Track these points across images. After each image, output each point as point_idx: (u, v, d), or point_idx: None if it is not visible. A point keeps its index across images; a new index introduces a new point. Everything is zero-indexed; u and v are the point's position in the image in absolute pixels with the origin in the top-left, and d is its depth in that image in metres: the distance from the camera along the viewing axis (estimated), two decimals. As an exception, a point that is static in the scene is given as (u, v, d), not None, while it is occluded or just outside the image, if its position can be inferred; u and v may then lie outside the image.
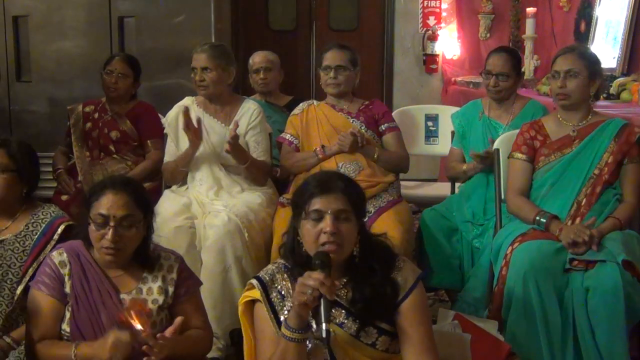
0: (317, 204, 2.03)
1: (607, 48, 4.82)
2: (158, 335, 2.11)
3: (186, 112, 3.35)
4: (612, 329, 2.63)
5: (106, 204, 2.23)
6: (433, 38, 6.71)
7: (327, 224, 2.00)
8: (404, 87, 6.84)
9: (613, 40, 4.80)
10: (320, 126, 3.62)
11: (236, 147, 3.34)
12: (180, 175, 3.52)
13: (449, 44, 6.72)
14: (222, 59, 3.49)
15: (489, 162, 3.41)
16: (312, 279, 1.91)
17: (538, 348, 2.70)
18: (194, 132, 3.35)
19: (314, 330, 1.94)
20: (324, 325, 1.90)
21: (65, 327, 2.24)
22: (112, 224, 2.21)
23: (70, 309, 2.25)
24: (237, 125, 3.37)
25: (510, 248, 2.85)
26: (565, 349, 2.69)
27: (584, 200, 2.92)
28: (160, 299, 2.30)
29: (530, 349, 2.71)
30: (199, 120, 3.38)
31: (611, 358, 2.62)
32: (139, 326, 2.11)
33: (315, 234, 2.02)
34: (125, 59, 4.02)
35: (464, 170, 3.63)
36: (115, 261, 2.26)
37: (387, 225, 3.17)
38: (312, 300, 1.91)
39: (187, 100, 3.59)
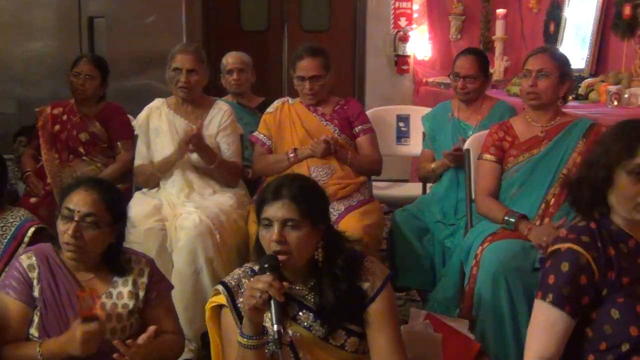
0: (267, 211, 2.02)
1: (575, 49, 4.88)
2: (129, 341, 2.09)
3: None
4: (580, 327, 2.66)
5: (75, 199, 2.22)
6: (404, 39, 6.74)
7: (273, 232, 1.99)
8: (375, 88, 6.86)
9: (582, 41, 4.87)
10: (294, 127, 3.60)
11: (201, 146, 3.32)
12: (155, 180, 3.50)
13: (420, 45, 6.76)
14: (204, 62, 3.50)
15: (460, 160, 3.42)
16: (261, 282, 1.91)
17: (507, 346, 2.73)
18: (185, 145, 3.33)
19: (271, 334, 1.93)
20: (275, 327, 1.89)
21: (34, 331, 2.22)
22: (75, 218, 2.19)
23: (38, 313, 2.22)
24: (201, 125, 3.33)
25: (480, 248, 2.87)
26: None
27: (553, 200, 2.95)
28: (131, 304, 2.29)
29: (499, 347, 2.73)
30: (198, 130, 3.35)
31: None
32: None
33: (267, 241, 2.01)
34: (93, 60, 3.98)
35: (433, 169, 3.65)
36: (76, 259, 2.24)
37: (353, 222, 3.18)
38: (261, 304, 1.90)
39: (157, 102, 3.57)
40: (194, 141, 3.28)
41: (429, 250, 3.45)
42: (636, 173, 1.83)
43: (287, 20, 6.97)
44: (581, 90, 4.24)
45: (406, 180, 5.44)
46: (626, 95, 3.71)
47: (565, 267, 1.83)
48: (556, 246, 1.90)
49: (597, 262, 1.83)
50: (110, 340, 2.12)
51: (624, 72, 4.20)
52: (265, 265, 1.96)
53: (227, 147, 3.51)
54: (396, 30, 6.78)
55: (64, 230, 2.21)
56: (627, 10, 4.28)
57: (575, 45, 4.94)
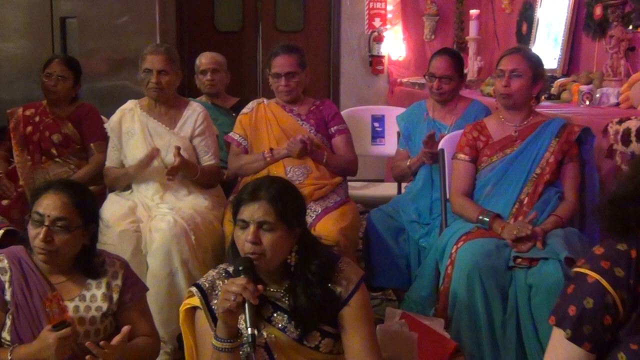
0: (244, 212, 2.02)
1: (548, 49, 4.93)
2: (102, 343, 2.07)
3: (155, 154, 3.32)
4: (554, 325, 2.69)
5: (44, 203, 2.20)
6: (379, 39, 6.77)
7: (248, 233, 1.99)
8: (350, 88, 6.88)
9: (554, 41, 4.91)
10: (269, 127, 3.60)
11: (181, 169, 3.31)
12: (123, 183, 3.47)
13: (394, 45, 6.79)
14: (176, 63, 3.47)
15: (435, 150, 3.43)
16: (235, 285, 1.91)
17: (482, 344, 2.75)
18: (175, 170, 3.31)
19: (246, 336, 1.92)
20: (249, 330, 1.89)
21: (6, 335, 2.19)
22: (46, 223, 2.17)
23: (10, 316, 2.19)
24: (178, 150, 3.29)
25: (455, 247, 2.88)
26: (508, 346, 2.74)
27: (526, 199, 2.98)
28: (105, 306, 2.27)
29: (474, 345, 2.75)
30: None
31: (554, 353, 2.67)
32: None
33: (242, 242, 2.01)
34: (65, 61, 3.94)
35: (408, 166, 3.66)
36: (49, 263, 2.22)
37: (330, 225, 3.19)
38: (235, 307, 1.90)
39: (129, 104, 3.54)
40: (174, 172, 3.27)
41: (405, 249, 3.47)
42: None
43: (261, 21, 6.95)
44: (553, 90, 4.28)
45: (382, 180, 5.46)
46: (598, 95, 3.75)
47: (589, 303, 1.67)
48: (584, 269, 1.71)
49: (625, 303, 1.67)
50: (84, 344, 2.10)
51: (595, 72, 4.24)
52: (240, 268, 1.96)
53: (205, 151, 3.50)
54: (370, 30, 6.81)
55: (35, 234, 2.19)
56: (597, 11, 4.33)
57: (548, 46, 4.99)
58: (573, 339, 1.68)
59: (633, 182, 1.74)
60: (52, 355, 2.05)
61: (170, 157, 3.36)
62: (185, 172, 3.37)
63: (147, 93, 3.46)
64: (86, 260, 2.29)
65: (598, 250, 1.74)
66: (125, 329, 2.15)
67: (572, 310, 1.69)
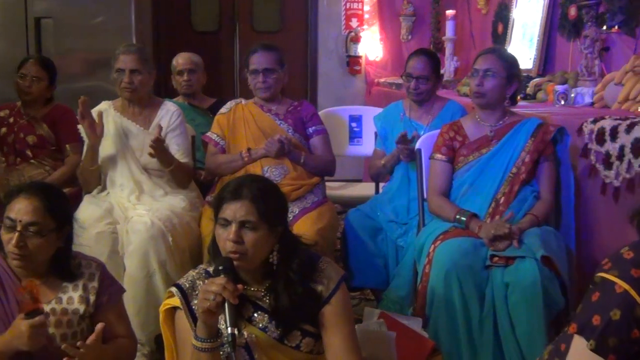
0: (225, 210, 2.01)
1: (523, 49, 4.96)
2: (79, 343, 2.05)
3: (84, 101, 3.25)
4: (531, 323, 2.71)
5: (16, 208, 2.17)
6: (356, 40, 6.78)
7: (230, 232, 1.98)
8: (328, 89, 6.89)
9: (529, 41, 4.95)
10: (248, 127, 3.59)
11: (160, 150, 3.29)
12: (91, 176, 3.42)
13: (371, 45, 6.80)
14: (148, 62, 3.45)
15: (409, 152, 3.44)
16: (215, 284, 1.90)
17: (459, 343, 2.76)
18: (89, 124, 3.26)
19: (226, 336, 1.92)
20: (229, 329, 1.89)
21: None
22: (18, 228, 2.15)
23: (-15, 320, 2.17)
24: (160, 128, 3.32)
25: (432, 246, 2.90)
26: (486, 344, 2.76)
27: (502, 199, 3.00)
28: (81, 309, 2.25)
29: (452, 344, 2.77)
30: (100, 115, 3.29)
31: (531, 352, 2.69)
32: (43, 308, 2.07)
33: (223, 240, 2.00)
34: (39, 62, 3.91)
35: (383, 164, 3.67)
36: (24, 267, 2.19)
37: (308, 225, 3.20)
38: (215, 306, 1.89)
39: (103, 105, 3.51)
40: (155, 145, 3.24)
41: (382, 249, 3.48)
42: None
43: (238, 21, 6.94)
44: (529, 90, 4.31)
45: (360, 180, 5.47)
46: (573, 95, 3.78)
47: (616, 315, 1.55)
48: (612, 276, 1.60)
49: None
50: (61, 347, 2.08)
51: (570, 72, 4.28)
52: (220, 267, 1.95)
53: (177, 148, 3.48)
54: (348, 31, 6.82)
55: (8, 240, 2.16)
56: (572, 11, 4.37)
57: (523, 46, 5.02)
58: (597, 350, 1.58)
59: None
60: (25, 344, 2.03)
61: (145, 158, 3.34)
62: (164, 158, 3.34)
63: (120, 93, 3.44)
64: (62, 263, 2.26)
65: (628, 254, 1.61)
66: (99, 326, 2.13)
67: (596, 320, 1.58)
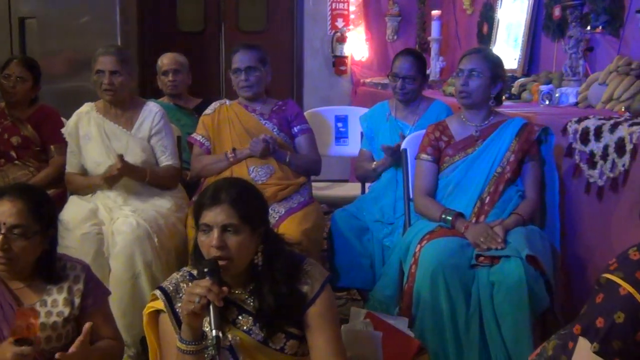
0: (206, 216, 2.00)
1: (508, 49, 4.99)
2: (71, 349, 2.04)
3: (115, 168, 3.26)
4: (517, 322, 2.72)
5: (0, 210, 2.15)
6: (342, 40, 6.79)
7: (212, 238, 1.98)
8: (314, 89, 6.89)
9: (514, 42, 4.97)
10: (232, 127, 3.59)
11: (128, 173, 3.27)
12: (87, 191, 3.42)
13: (357, 45, 6.81)
14: (129, 63, 3.42)
15: (397, 156, 3.46)
16: (200, 287, 1.90)
17: (445, 342, 2.77)
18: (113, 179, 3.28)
19: (210, 339, 1.92)
20: (213, 332, 1.89)
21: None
22: (2, 231, 2.13)
23: (-31, 322, 2.16)
24: (121, 158, 3.25)
25: (418, 246, 2.90)
26: (472, 343, 2.77)
27: (488, 198, 3.02)
28: (66, 311, 2.24)
29: (438, 344, 2.78)
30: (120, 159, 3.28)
31: (516, 350, 2.71)
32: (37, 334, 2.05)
33: (206, 246, 2.00)
34: (23, 62, 3.88)
35: (374, 168, 3.68)
36: (7, 271, 2.18)
37: (293, 226, 3.19)
38: (199, 309, 1.88)
39: (86, 107, 3.49)
40: (118, 174, 3.24)
41: (369, 249, 3.48)
42: None
43: (224, 21, 6.93)
44: (514, 90, 4.33)
45: (346, 181, 5.48)
46: (557, 95, 3.80)
47: (620, 318, 1.54)
48: (617, 278, 1.59)
49: None
50: (45, 350, 2.07)
51: (554, 72, 4.30)
52: (205, 270, 1.95)
53: (162, 150, 3.47)
54: (333, 31, 6.83)
55: None
56: (556, 11, 4.39)
57: (508, 46, 5.05)
58: (601, 353, 1.57)
59: None
60: None
61: (128, 159, 3.32)
62: (133, 177, 3.33)
63: (101, 95, 3.42)
64: (46, 265, 2.25)
65: (634, 254, 1.60)
66: (86, 326, 2.11)
67: (600, 323, 1.57)
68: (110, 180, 3.26)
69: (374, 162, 3.69)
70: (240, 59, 3.55)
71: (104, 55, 3.37)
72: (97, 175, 3.35)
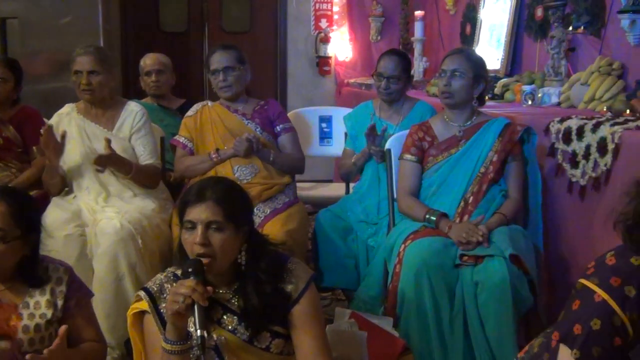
0: (190, 213, 2.00)
1: (491, 50, 5.01)
2: (44, 350, 2.02)
3: (48, 130, 3.20)
4: (500, 321, 2.73)
5: None
6: (325, 40, 6.79)
7: (196, 235, 1.97)
8: (298, 89, 6.89)
9: (497, 42, 5.00)
10: (215, 128, 3.58)
11: (114, 161, 3.25)
12: (54, 185, 3.38)
13: (341, 46, 6.82)
14: (107, 62, 3.40)
15: (378, 142, 3.46)
16: (184, 286, 1.89)
17: (430, 341, 2.78)
18: (53, 149, 3.21)
19: (195, 338, 1.91)
20: (198, 332, 1.88)
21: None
22: None
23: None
24: (108, 142, 3.22)
25: (403, 246, 2.91)
26: (456, 342, 2.78)
27: (471, 198, 3.03)
28: (49, 313, 2.22)
29: (422, 343, 2.78)
30: (63, 135, 3.23)
31: (500, 349, 2.72)
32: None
33: (190, 244, 1.99)
34: (5, 63, 3.85)
35: (354, 162, 3.68)
36: None
37: (278, 227, 3.20)
38: (184, 309, 1.88)
39: (66, 108, 3.47)
40: (103, 162, 3.21)
41: (353, 249, 3.48)
42: None
43: (207, 22, 6.91)
44: (497, 90, 4.35)
45: (330, 181, 5.48)
46: (539, 95, 3.83)
47: (596, 324, 1.57)
48: (592, 284, 1.61)
49: (636, 323, 1.56)
50: (28, 352, 2.05)
51: (537, 72, 4.33)
52: (189, 270, 1.94)
53: (142, 149, 3.44)
54: (317, 31, 6.83)
55: None
56: (538, 12, 4.42)
57: (491, 46, 5.07)
58: (583, 359, 1.59)
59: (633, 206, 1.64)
60: None
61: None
62: (118, 168, 3.31)
63: (80, 95, 3.40)
64: (28, 269, 2.22)
65: (610, 259, 1.62)
66: (62, 329, 2.09)
67: (577, 330, 1.59)
68: (101, 160, 3.21)
69: (354, 157, 3.69)
70: (218, 60, 3.55)
71: (81, 55, 3.35)
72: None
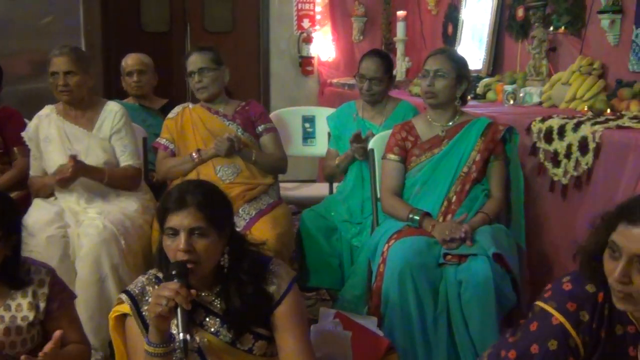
0: (171, 220, 1.98)
1: (473, 50, 5.04)
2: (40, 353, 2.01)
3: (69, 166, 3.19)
4: (484, 319, 2.75)
5: None
6: (308, 40, 6.79)
7: (180, 242, 1.96)
8: (280, 89, 6.89)
9: (479, 42, 5.03)
10: (196, 130, 3.57)
11: (78, 174, 3.22)
12: (46, 190, 3.37)
13: (323, 46, 6.83)
14: (84, 62, 3.37)
15: (363, 143, 3.46)
16: (168, 289, 1.89)
17: (414, 340, 2.79)
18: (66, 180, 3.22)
19: (178, 341, 1.91)
20: (181, 335, 1.88)
21: None
22: None
23: None
24: (74, 159, 3.19)
25: (386, 245, 2.91)
26: (440, 341, 2.79)
27: (454, 198, 3.04)
28: (31, 315, 2.20)
29: (407, 342, 2.79)
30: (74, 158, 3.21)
31: (484, 348, 2.70)
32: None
33: (173, 250, 1.98)
34: (-16, 63, 3.82)
35: (337, 164, 3.69)
36: None
37: (266, 230, 3.19)
38: (167, 312, 1.88)
39: (46, 110, 3.44)
40: (71, 175, 3.19)
41: (337, 249, 3.49)
42: (611, 250, 1.62)
43: (189, 22, 6.88)
44: (479, 90, 4.38)
45: (314, 181, 5.48)
46: (521, 95, 3.86)
47: (553, 345, 1.69)
48: (550, 308, 1.72)
49: (587, 345, 1.68)
50: (9, 355, 2.04)
51: (518, 72, 4.36)
52: (173, 272, 1.94)
53: (122, 150, 3.42)
54: (300, 31, 6.83)
55: None
56: (520, 12, 4.45)
57: (473, 46, 5.10)
58: None
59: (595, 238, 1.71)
60: None
61: (90, 160, 3.28)
62: (91, 177, 3.29)
63: (58, 97, 3.37)
64: (10, 271, 2.20)
65: (567, 285, 1.73)
66: (56, 333, 2.08)
67: (534, 349, 1.70)
68: (62, 182, 3.21)
69: (337, 158, 3.70)
70: (193, 62, 3.55)
71: (57, 56, 3.33)
72: (52, 175, 3.31)
